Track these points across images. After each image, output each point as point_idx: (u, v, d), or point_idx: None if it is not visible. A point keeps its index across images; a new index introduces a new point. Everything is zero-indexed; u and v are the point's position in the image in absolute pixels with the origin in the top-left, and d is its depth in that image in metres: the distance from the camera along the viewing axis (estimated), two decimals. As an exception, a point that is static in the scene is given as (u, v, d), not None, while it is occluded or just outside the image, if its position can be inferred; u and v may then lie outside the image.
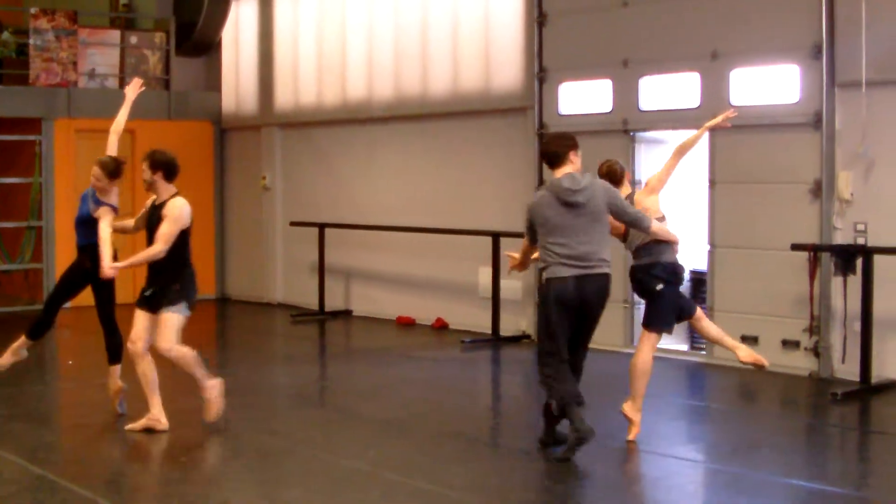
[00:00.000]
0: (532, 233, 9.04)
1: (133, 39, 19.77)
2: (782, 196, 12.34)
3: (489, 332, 14.97)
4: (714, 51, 12.86)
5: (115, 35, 19.61)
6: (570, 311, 8.78)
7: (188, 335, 9.57)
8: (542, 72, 14.72)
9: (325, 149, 18.42)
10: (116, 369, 10.38)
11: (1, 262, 18.40)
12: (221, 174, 20.37)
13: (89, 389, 10.08)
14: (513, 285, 15.01)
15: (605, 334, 11.00)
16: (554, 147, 8.99)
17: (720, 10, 12.91)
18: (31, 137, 18.26)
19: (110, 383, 10.40)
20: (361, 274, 17.73)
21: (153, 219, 9.67)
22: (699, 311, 9.58)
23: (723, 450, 9.38)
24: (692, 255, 13.39)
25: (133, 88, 10.71)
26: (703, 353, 13.04)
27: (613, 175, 9.47)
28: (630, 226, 9.20)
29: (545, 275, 8.91)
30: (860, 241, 11.72)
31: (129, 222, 10.26)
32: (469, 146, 15.96)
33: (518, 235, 14.66)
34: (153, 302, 9.60)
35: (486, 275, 15.19)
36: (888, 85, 11.58)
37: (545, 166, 9.27)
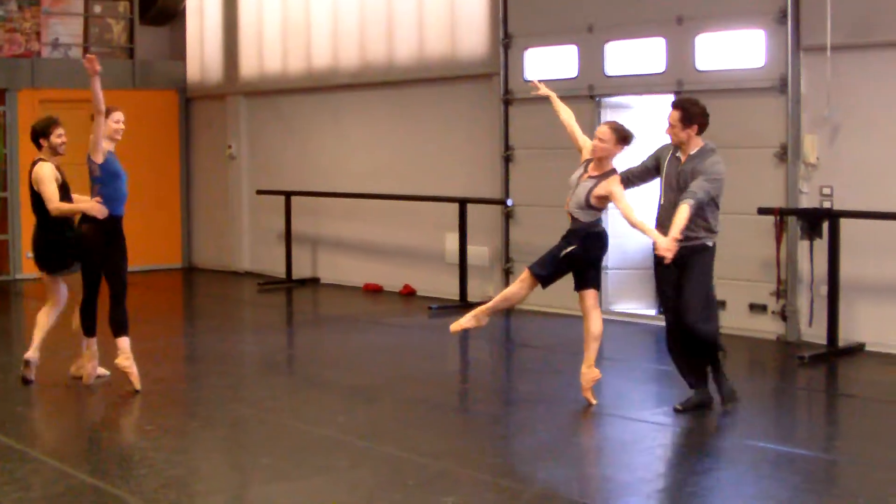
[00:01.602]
0: None
1: (97, 9, 19.60)
2: (748, 160, 12.34)
3: (456, 298, 14.97)
4: (679, 16, 12.84)
5: (78, 4, 19.42)
6: None
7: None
8: (507, 38, 14.67)
9: (290, 117, 18.32)
10: (114, 342, 10.13)
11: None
12: (187, 143, 20.25)
13: (58, 360, 10.01)
14: (479, 251, 15.00)
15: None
16: None
17: (685, -25, 12.90)
18: (-5, 108, 18.13)
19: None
20: (328, 241, 17.69)
21: None
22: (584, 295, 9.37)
23: (691, 413, 9.40)
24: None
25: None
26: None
27: None
28: None
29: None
30: (826, 204, 11.77)
31: None
32: (435, 113, 15.91)
33: (483, 201, 14.75)
34: None
35: (452, 241, 15.17)
36: (853, 49, 11.59)
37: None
